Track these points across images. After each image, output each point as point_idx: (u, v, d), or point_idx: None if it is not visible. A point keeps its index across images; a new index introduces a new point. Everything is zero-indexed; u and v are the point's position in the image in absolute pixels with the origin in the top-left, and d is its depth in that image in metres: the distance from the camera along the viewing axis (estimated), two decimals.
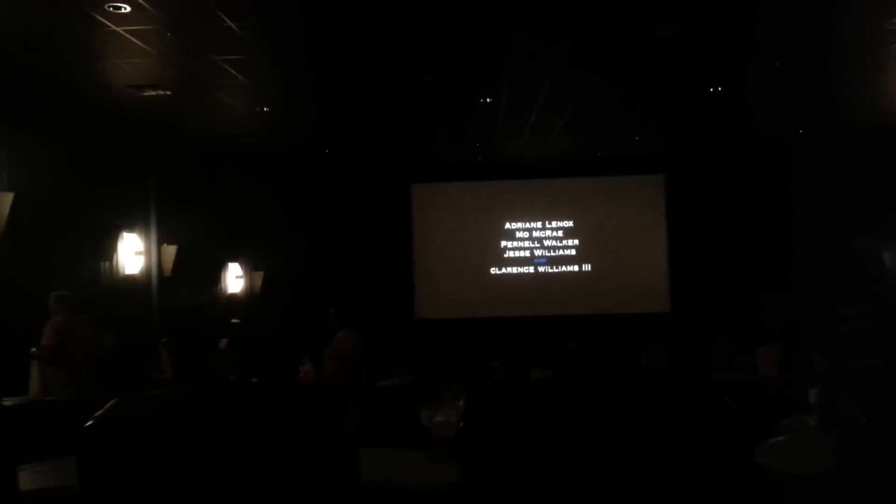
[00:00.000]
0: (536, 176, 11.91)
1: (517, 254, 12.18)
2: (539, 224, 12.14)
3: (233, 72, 6.83)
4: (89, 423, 1.71)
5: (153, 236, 8.93)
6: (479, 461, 1.67)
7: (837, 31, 6.35)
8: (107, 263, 8.18)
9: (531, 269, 12.11)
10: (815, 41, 6.62)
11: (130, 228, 8.52)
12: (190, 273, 9.43)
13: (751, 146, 10.80)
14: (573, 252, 12.09)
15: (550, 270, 12.06)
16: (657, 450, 1.75)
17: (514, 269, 12.13)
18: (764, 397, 4.05)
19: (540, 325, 11.00)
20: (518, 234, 12.18)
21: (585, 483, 1.69)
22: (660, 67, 7.30)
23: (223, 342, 9.55)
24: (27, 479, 2.46)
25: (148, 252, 8.78)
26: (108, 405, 1.78)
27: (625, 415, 1.78)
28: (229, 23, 5.63)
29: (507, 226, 12.16)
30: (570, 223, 12.11)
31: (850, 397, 2.28)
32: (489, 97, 8.08)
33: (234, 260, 10.60)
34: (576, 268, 12.00)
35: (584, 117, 9.15)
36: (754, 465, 2.56)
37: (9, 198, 6.70)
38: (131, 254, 8.44)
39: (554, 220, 12.13)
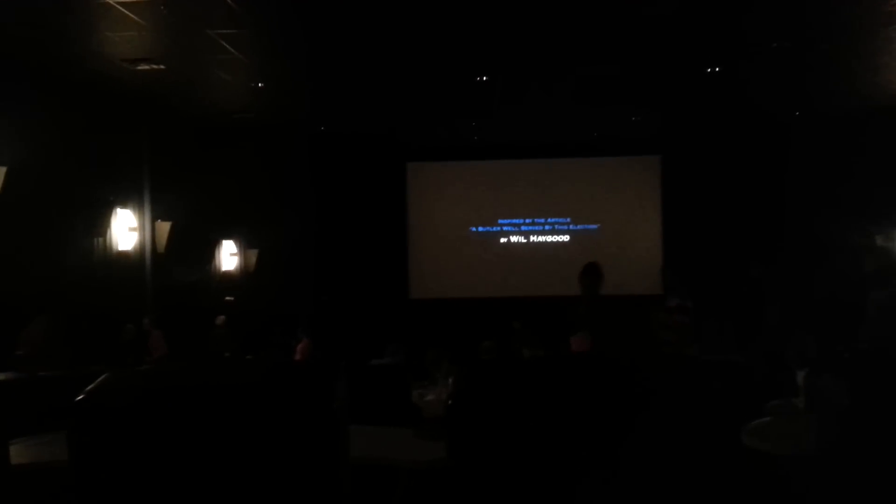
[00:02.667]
0: (532, 156, 11.88)
1: (512, 235, 12.19)
2: (535, 205, 12.13)
3: (227, 46, 6.77)
4: (80, 397, 1.72)
5: (147, 212, 8.90)
6: (465, 438, 1.69)
7: (835, 13, 6.32)
8: (100, 239, 8.16)
9: (525, 250, 12.11)
10: (813, 22, 6.59)
11: (124, 204, 8.48)
12: (184, 250, 9.41)
13: (748, 128, 10.77)
14: (568, 232, 12.10)
15: (545, 251, 12.07)
16: (644, 431, 1.77)
17: (509, 250, 12.14)
18: (752, 379, 4.09)
19: (534, 306, 11.02)
20: (513, 215, 12.17)
21: (571, 462, 1.71)
22: (657, 47, 7.26)
23: (220, 319, 9.57)
24: (18, 452, 2.47)
25: (142, 228, 8.75)
26: (98, 380, 1.79)
27: (612, 394, 1.79)
28: None
29: (503, 206, 12.14)
30: (567, 204, 12.10)
31: (833, 379, 2.31)
32: (485, 76, 8.04)
33: (228, 237, 10.58)
34: (570, 249, 12.01)
35: (581, 97, 9.11)
36: (741, 446, 2.59)
37: (1, 172, 6.66)
38: (125, 230, 8.42)
39: (550, 200, 12.11)
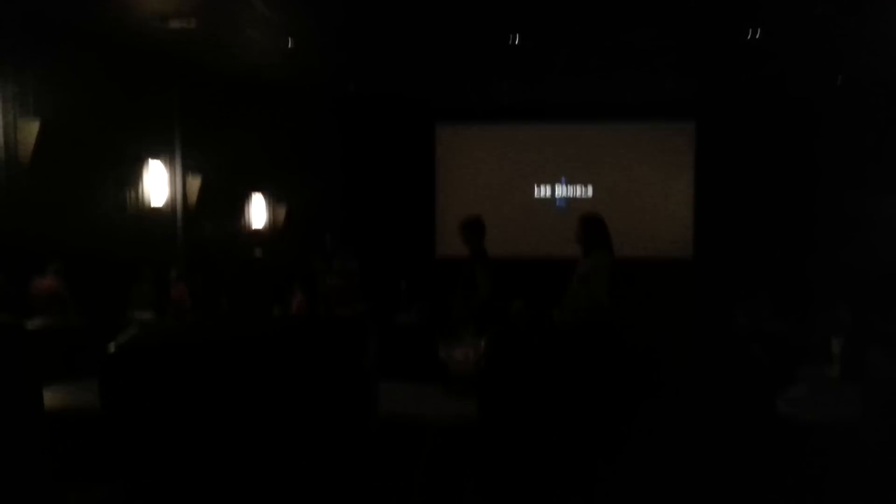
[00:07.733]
0: (563, 120, 11.72)
1: (539, 195, 12.11)
2: (564, 168, 12.01)
3: (257, 2, 6.70)
4: (112, 349, 1.73)
5: (178, 168, 8.95)
6: (497, 400, 1.68)
7: None
8: (132, 193, 8.24)
9: (553, 212, 12.02)
10: None
11: (155, 159, 8.54)
12: (214, 205, 9.49)
13: (784, 98, 10.51)
14: (596, 195, 11.96)
15: (574, 214, 11.95)
16: (678, 399, 1.74)
17: (536, 211, 12.05)
18: (784, 348, 4.03)
19: (560, 268, 10.95)
20: (542, 178, 12.07)
21: (602, 430, 1.68)
22: (696, 8, 7.05)
23: (258, 251, 9.89)
24: (52, 397, 2.52)
25: (173, 183, 8.82)
26: (130, 331, 1.80)
27: (645, 362, 1.76)
28: None
29: (530, 168, 12.03)
30: (597, 168, 11.96)
31: (881, 350, 2.25)
32: (517, 37, 7.88)
33: (257, 193, 10.63)
34: (600, 211, 11.87)
35: (614, 60, 8.92)
36: (777, 413, 2.55)
37: (35, 125, 6.72)
38: (156, 184, 8.49)
39: (578, 164, 11.98)
